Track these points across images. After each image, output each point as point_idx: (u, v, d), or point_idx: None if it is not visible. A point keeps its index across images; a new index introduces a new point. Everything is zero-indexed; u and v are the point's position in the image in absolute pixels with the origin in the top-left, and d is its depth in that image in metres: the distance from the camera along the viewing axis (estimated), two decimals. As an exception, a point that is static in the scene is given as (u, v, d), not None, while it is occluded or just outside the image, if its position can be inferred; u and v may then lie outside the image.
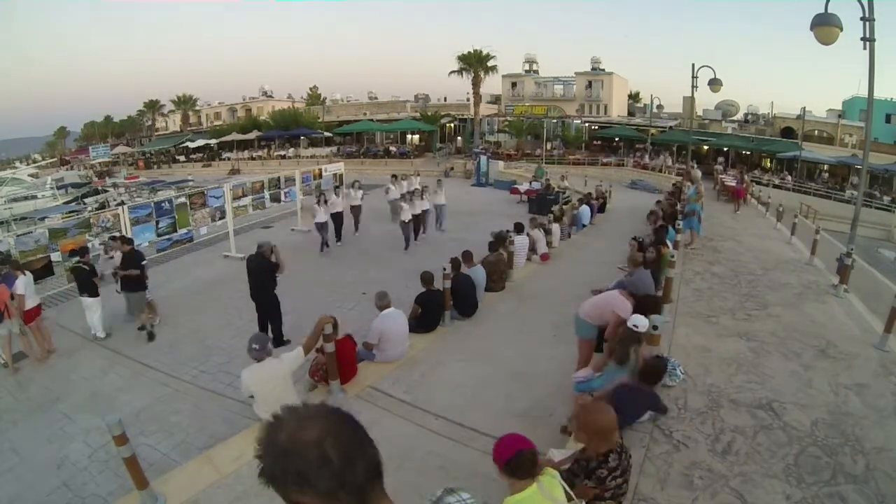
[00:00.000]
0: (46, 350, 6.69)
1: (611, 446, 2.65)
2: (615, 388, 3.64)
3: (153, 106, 53.40)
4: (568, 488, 2.31)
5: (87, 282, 6.83)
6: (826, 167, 26.65)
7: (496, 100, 41.97)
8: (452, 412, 4.29)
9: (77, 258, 7.16)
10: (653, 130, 31.74)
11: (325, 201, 11.48)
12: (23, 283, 6.30)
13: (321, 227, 11.31)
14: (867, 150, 8.31)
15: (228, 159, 37.68)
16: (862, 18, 6.89)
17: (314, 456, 0.76)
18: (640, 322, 3.84)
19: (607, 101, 38.10)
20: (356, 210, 12.98)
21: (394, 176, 15.36)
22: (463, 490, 1.71)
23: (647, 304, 4.25)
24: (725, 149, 30.23)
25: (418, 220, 12.13)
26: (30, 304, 6.42)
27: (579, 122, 35.79)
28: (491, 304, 7.04)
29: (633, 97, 45.50)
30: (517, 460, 2.18)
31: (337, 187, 13.09)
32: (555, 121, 34.99)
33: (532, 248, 9.33)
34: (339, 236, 12.12)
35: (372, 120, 38.16)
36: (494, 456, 2.25)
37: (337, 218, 11.91)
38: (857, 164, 21.76)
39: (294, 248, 11.73)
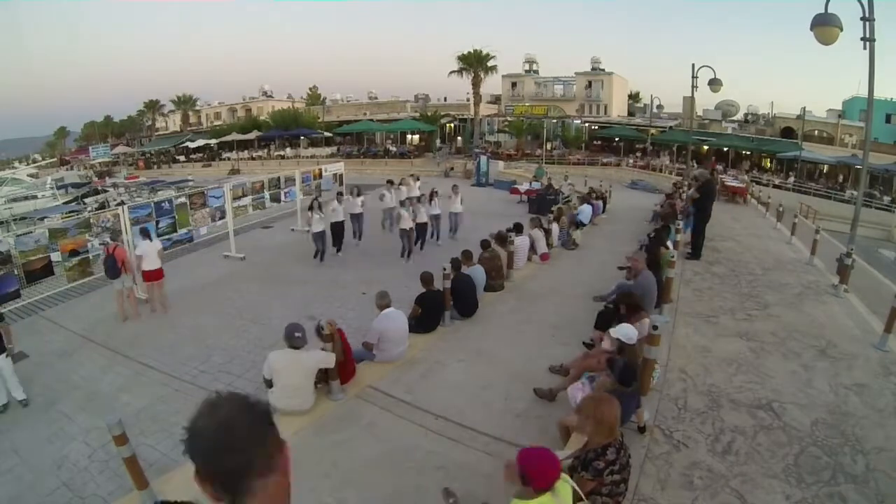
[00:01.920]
0: (152, 310, 7.98)
1: (610, 439, 2.68)
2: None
3: (153, 106, 53.46)
4: (577, 487, 2.31)
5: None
6: (825, 167, 26.67)
7: (496, 100, 42.01)
8: (452, 412, 4.28)
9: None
10: (653, 130, 31.79)
11: (320, 207, 10.38)
12: (145, 246, 7.81)
13: (318, 237, 10.31)
14: (867, 150, 8.29)
15: (228, 159, 37.71)
16: (862, 18, 6.89)
17: (196, 437, 0.90)
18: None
19: (607, 101, 38.14)
20: (357, 218, 11.85)
21: (390, 181, 13.84)
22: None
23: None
24: (725, 149, 30.25)
25: (423, 228, 11.17)
26: (150, 265, 7.78)
27: (579, 122, 35.81)
28: (491, 304, 7.04)
29: (633, 97, 45.55)
30: (555, 482, 2.15)
31: (339, 194, 11.83)
32: (555, 121, 35.01)
33: (532, 248, 9.33)
34: (339, 247, 11.07)
35: (372, 120, 38.19)
36: (536, 477, 2.14)
37: (337, 228, 10.93)
38: (857, 164, 21.78)
39: (293, 249, 11.75)
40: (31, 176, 30.42)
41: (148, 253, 7.80)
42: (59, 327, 7.63)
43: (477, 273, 7.03)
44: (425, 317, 6.03)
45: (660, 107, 35.02)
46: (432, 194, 11.87)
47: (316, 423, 4.23)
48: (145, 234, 8.07)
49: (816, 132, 29.62)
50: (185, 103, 50.58)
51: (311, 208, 10.32)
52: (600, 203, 15.18)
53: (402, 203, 11.89)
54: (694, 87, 16.52)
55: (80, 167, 41.81)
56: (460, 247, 11.37)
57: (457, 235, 12.66)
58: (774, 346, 5.36)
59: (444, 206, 12.20)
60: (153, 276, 7.90)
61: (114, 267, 7.47)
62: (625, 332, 3.94)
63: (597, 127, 35.53)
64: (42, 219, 16.37)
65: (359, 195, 12.06)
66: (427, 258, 10.56)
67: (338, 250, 11.08)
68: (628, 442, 2.93)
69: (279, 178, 13.09)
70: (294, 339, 4.29)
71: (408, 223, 10.59)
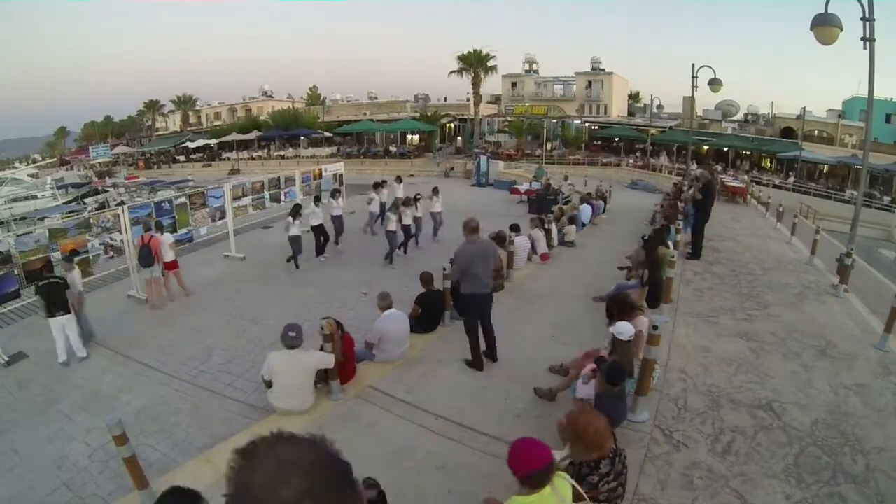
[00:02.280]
0: (151, 308, 8.37)
1: (602, 454, 2.59)
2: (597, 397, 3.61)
3: (153, 106, 53.45)
4: (577, 486, 2.31)
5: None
6: (825, 168, 26.66)
7: (496, 100, 41.99)
8: (452, 412, 4.28)
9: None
10: (653, 130, 31.77)
11: (299, 213, 10.24)
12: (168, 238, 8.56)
13: (294, 241, 10.09)
14: (867, 150, 8.30)
15: (228, 159, 37.71)
16: (862, 18, 6.89)
17: None
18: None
19: (607, 101, 38.11)
20: (337, 221, 11.68)
21: (376, 184, 13.29)
22: None
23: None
24: (725, 149, 30.25)
25: (407, 230, 11.29)
26: (170, 258, 8.48)
27: (579, 122, 35.81)
28: (491, 304, 7.03)
29: (633, 97, 45.51)
30: (543, 475, 2.12)
31: (317, 198, 11.52)
32: (555, 121, 35.00)
33: (532, 248, 9.33)
34: (318, 251, 10.92)
35: (372, 120, 38.19)
36: (517, 465, 2.15)
37: (317, 231, 10.87)
38: (857, 164, 21.77)
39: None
40: (31, 176, 30.46)
41: (164, 243, 8.42)
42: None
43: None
44: (425, 317, 6.03)
45: (660, 107, 35.01)
46: (416, 198, 11.91)
47: (316, 423, 4.22)
48: (159, 227, 8.70)
49: (816, 132, 29.61)
50: (185, 103, 50.58)
51: (291, 214, 10.13)
52: (601, 203, 15.20)
53: (385, 206, 12.19)
54: (694, 87, 16.54)
55: (80, 167, 41.85)
56: (450, 242, 11.36)
57: (438, 236, 12.61)
58: (774, 346, 5.36)
59: (424, 207, 12.25)
60: (169, 266, 8.56)
61: (148, 256, 8.05)
62: (620, 328, 3.92)
63: (597, 127, 35.53)
64: (42, 219, 16.39)
65: (339, 197, 12.22)
66: (410, 260, 10.60)
67: (318, 254, 10.91)
68: (627, 443, 2.93)
69: (279, 178, 13.08)
70: (287, 338, 4.29)
71: (394, 224, 10.58)
